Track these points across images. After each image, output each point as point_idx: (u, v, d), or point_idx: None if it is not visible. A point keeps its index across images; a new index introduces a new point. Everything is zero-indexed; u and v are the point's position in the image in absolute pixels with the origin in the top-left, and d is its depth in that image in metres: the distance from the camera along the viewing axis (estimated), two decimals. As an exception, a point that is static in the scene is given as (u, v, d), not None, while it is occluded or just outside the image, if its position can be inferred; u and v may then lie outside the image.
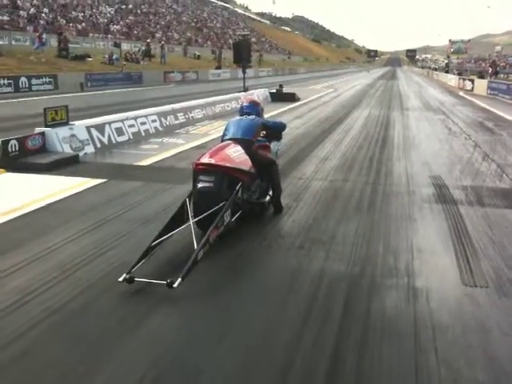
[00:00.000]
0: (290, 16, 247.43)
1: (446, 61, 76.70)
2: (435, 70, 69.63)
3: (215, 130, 12.06)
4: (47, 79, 22.82)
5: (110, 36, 41.03)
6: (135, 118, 10.71)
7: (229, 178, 4.62)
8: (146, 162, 8.26)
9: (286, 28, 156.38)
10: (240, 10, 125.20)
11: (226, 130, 5.44)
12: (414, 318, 3.38)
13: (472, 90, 30.76)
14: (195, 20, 69.15)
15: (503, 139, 11.37)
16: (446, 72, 53.85)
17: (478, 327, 3.30)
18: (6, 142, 7.43)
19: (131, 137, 10.25)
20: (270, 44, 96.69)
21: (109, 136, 9.55)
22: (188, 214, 4.44)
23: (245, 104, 5.79)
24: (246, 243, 4.71)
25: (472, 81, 32.84)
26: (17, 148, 7.59)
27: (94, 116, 10.32)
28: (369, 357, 2.96)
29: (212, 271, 4.04)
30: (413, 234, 5.02)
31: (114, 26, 43.85)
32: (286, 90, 22.12)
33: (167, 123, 11.98)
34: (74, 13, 39.67)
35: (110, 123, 9.75)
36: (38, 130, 8.24)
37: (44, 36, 29.64)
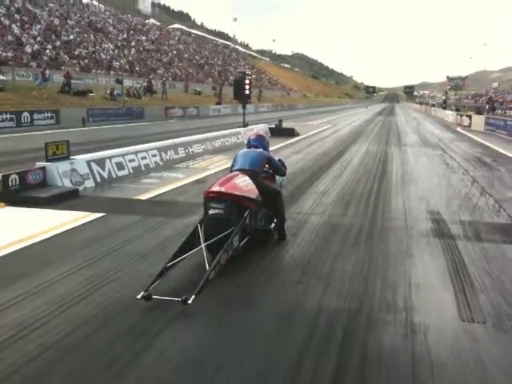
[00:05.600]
0: (290, 53, 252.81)
1: (444, 97, 77.76)
2: (433, 105, 70.46)
3: (215, 164, 12.17)
4: (49, 114, 23.08)
5: (112, 72, 41.74)
6: (136, 153, 10.82)
7: (237, 205, 4.94)
8: (145, 196, 8.31)
9: (285, 65, 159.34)
10: (241, 48, 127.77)
11: (234, 161, 5.82)
12: (412, 354, 3.36)
13: (469, 125, 31.08)
14: (196, 57, 70.42)
15: (501, 174, 11.46)
16: (444, 108, 54.49)
17: (476, 363, 3.27)
18: (6, 176, 7.49)
19: (131, 171, 10.33)
20: (269, 80, 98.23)
21: (109, 170, 9.63)
22: (200, 239, 4.72)
23: (252, 137, 6.23)
24: (245, 276, 4.71)
25: (469, 117, 33.22)
26: (17, 182, 7.65)
27: (94, 151, 10.42)
28: (366, 393, 2.93)
29: (208, 307, 4.03)
30: (411, 269, 5.01)
31: (117, 63, 44.66)
32: (285, 125, 22.39)
33: (167, 158, 12.10)
34: (77, 49, 40.46)
35: (110, 158, 9.85)
36: (38, 164, 8.32)
37: (47, 72, 30.16)
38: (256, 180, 5.37)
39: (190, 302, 3.79)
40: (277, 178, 6.16)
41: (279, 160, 6.30)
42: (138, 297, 3.96)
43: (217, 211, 4.83)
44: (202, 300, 3.92)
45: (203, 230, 4.82)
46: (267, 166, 5.89)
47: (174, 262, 4.44)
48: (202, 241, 4.69)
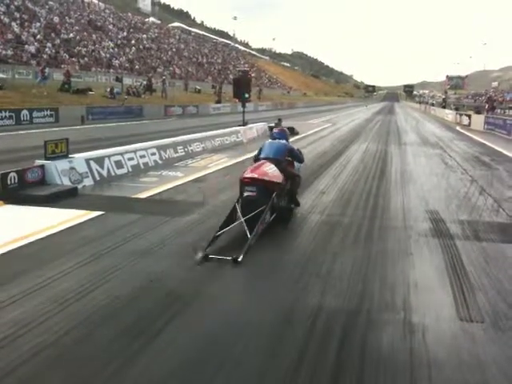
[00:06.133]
0: (290, 52, 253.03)
1: (444, 96, 77.77)
2: (432, 105, 70.44)
3: (214, 163, 12.14)
4: (48, 112, 23.04)
5: (112, 70, 41.73)
6: (134, 151, 10.80)
7: (266, 188, 6.00)
8: (144, 195, 8.30)
9: (285, 64, 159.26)
10: (240, 47, 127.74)
11: (261, 150, 6.96)
12: (410, 354, 3.37)
13: (469, 124, 31.09)
14: (196, 56, 70.39)
15: (499, 174, 11.46)
16: (443, 107, 54.50)
17: (475, 363, 3.28)
18: (5, 175, 7.48)
19: (130, 170, 10.32)
20: (269, 79, 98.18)
21: (108, 169, 9.62)
22: (238, 214, 5.86)
23: (276, 131, 7.47)
24: (243, 277, 4.71)
25: (469, 116, 33.23)
26: (16, 180, 7.64)
27: (93, 149, 10.39)
28: (364, 393, 2.94)
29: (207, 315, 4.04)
30: (409, 269, 5.02)
31: (116, 61, 44.64)
32: (284, 124, 22.33)
33: (166, 156, 12.08)
34: (77, 48, 40.45)
35: (109, 156, 9.83)
36: (37, 162, 8.31)
37: (47, 70, 30.13)
38: (280, 166, 6.45)
39: (239, 259, 4.93)
40: (296, 165, 7.26)
41: (297, 149, 7.30)
42: (198, 257, 4.99)
43: (250, 193, 5.94)
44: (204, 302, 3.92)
45: (240, 208, 5.91)
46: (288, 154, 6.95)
47: (221, 232, 5.56)
48: (240, 216, 5.77)
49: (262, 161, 6.52)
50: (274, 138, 7.18)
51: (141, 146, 11.35)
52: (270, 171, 6.22)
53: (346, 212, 7.37)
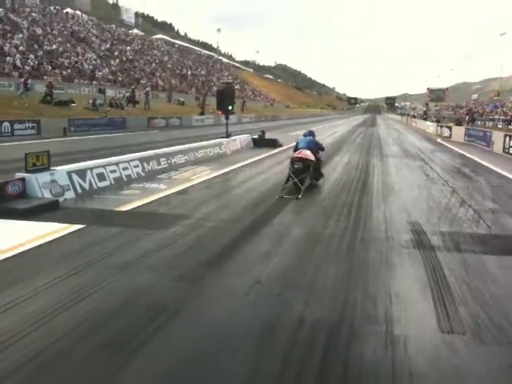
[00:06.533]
0: (273, 64, 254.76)
1: (425, 108, 78.67)
2: (414, 117, 71.30)
3: (197, 175, 12.10)
4: (30, 124, 22.85)
5: (94, 82, 41.59)
6: (117, 164, 10.74)
7: (307, 163, 9.96)
8: (126, 208, 8.23)
9: (268, 76, 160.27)
10: (224, 59, 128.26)
11: (298, 143, 10.97)
12: (392, 366, 3.38)
13: (450, 136, 31.48)
14: (180, 67, 70.51)
15: (480, 185, 11.59)
16: (425, 119, 55.18)
17: (456, 375, 3.30)
18: (-15, 188, 7.38)
19: (113, 182, 10.25)
20: (253, 91, 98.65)
21: (90, 181, 9.54)
22: (291, 177, 9.82)
23: (307, 131, 11.73)
24: (223, 291, 4.69)
25: (450, 128, 33.65)
26: (-4, 193, 7.54)
27: (75, 161, 10.30)
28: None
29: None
30: (391, 280, 5.04)
31: (99, 73, 44.51)
32: (268, 136, 22.42)
33: (149, 168, 12.02)
34: (60, 59, 40.27)
35: (91, 168, 9.75)
36: (18, 175, 8.21)
37: (29, 81, 29.93)
38: (312, 152, 10.28)
39: (299, 197, 9.19)
40: (320, 153, 11.02)
41: (320, 143, 11.31)
42: (276, 197, 9.19)
43: (298, 166, 9.88)
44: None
45: (293, 174, 9.80)
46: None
47: (284, 185, 9.68)
48: (294, 177, 9.74)
49: (302, 148, 10.37)
50: (306, 136, 11.22)
51: (123, 158, 11.28)
52: (309, 154, 10.11)
53: (328, 224, 7.38)
